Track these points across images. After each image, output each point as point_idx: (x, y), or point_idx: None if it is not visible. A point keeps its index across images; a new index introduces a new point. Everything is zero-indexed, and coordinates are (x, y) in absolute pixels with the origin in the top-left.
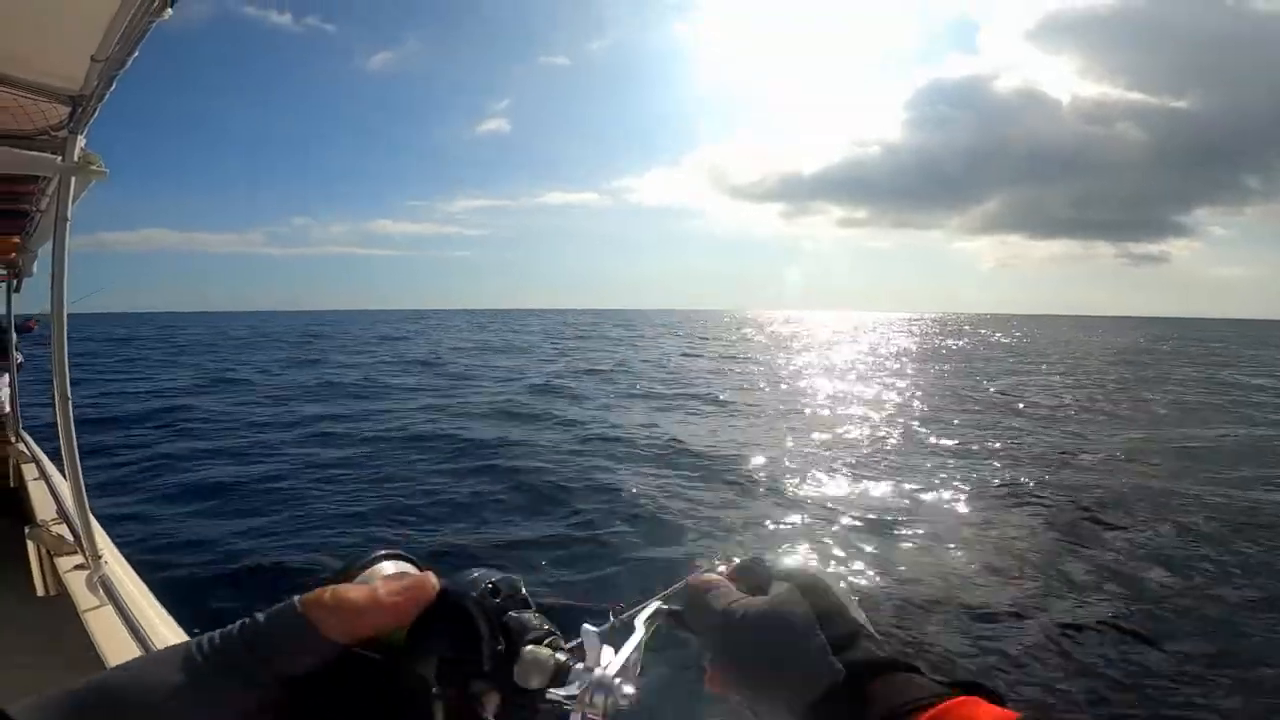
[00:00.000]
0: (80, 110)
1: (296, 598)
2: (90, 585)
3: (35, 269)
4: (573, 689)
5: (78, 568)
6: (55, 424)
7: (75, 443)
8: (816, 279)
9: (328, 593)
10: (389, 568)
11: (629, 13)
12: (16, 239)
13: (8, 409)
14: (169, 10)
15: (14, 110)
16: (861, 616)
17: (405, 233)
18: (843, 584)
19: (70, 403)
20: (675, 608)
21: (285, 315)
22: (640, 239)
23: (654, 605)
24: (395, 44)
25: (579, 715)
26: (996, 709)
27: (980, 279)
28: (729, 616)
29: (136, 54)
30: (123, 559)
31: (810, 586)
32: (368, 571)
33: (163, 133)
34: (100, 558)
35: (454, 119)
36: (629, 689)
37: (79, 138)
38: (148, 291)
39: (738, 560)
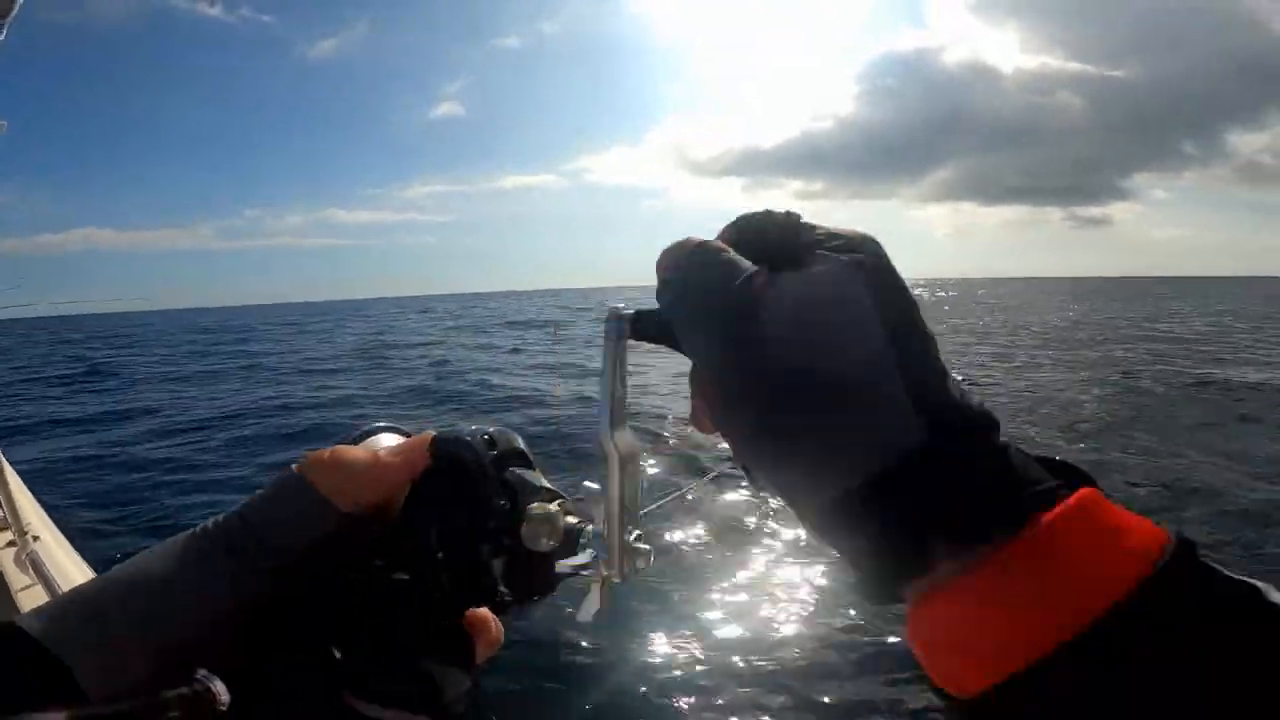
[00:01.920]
0: None
1: (294, 463)
2: (19, 563)
3: None
4: (586, 555)
5: (8, 545)
6: None
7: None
8: None
9: (328, 453)
10: (387, 439)
11: None
12: None
13: None
14: None
15: None
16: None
17: (361, 221)
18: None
19: None
20: (638, 309)
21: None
22: (602, 218)
23: (608, 322)
24: (338, 31)
25: (597, 580)
26: (1134, 516)
27: (935, 245)
28: (750, 287)
29: (20, 1)
30: (63, 539)
31: (872, 262)
32: (366, 442)
33: (97, 133)
34: (29, 534)
35: (406, 104)
36: (645, 546)
37: None
38: (82, 294)
39: (741, 215)
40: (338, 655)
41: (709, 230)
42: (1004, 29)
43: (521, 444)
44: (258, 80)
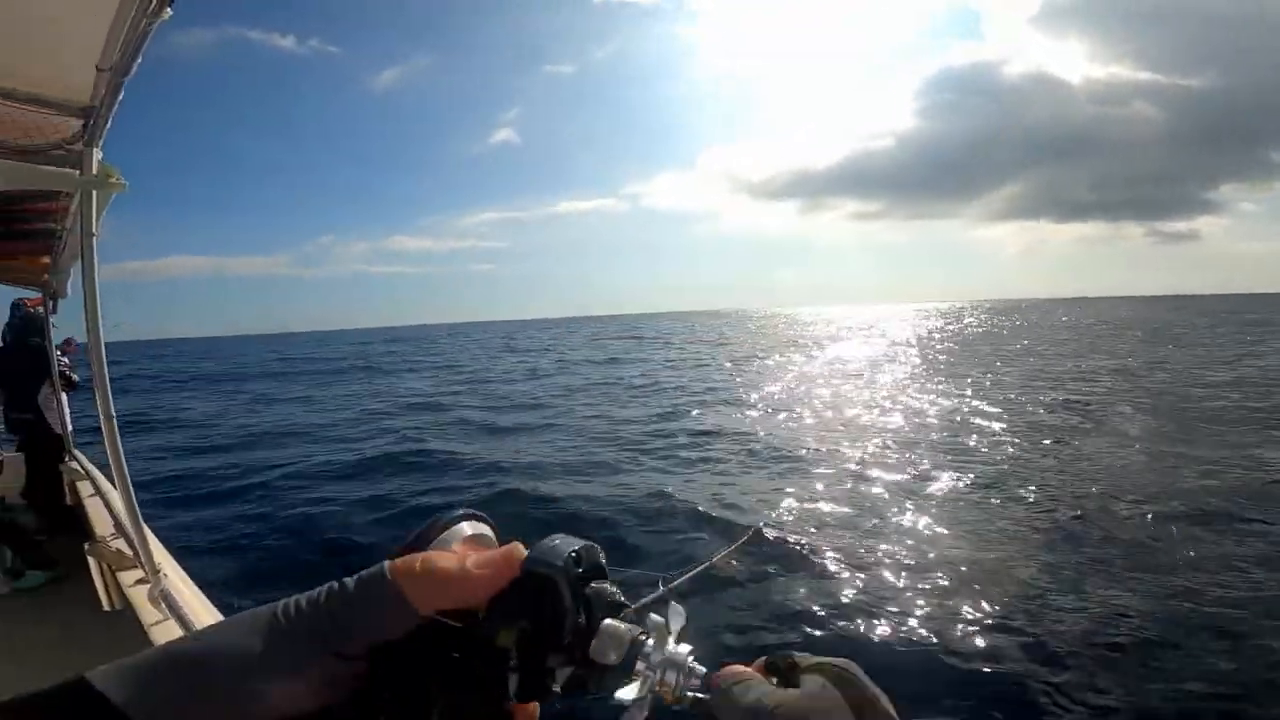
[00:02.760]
0: (92, 122)
1: (385, 563)
2: (152, 599)
3: (70, 290)
4: (644, 668)
5: (139, 582)
6: (104, 442)
7: (124, 459)
8: (839, 274)
9: (418, 561)
10: (467, 529)
11: (631, 18)
12: (46, 259)
13: (58, 429)
14: (168, 10)
15: (26, 126)
16: (891, 710)
17: (423, 249)
18: (867, 680)
19: (115, 421)
20: (701, 695)
21: (318, 335)
22: (658, 243)
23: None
24: (400, 61)
25: (647, 692)
26: None
27: (1002, 265)
28: (758, 712)
29: (140, 60)
30: (182, 571)
31: (843, 679)
32: (448, 532)
33: (182, 161)
34: (159, 571)
35: (464, 132)
36: (700, 668)
37: (95, 150)
38: (178, 318)
39: (766, 657)
40: None
41: (760, 249)
42: (1067, 40)
43: (603, 558)
44: (325, 110)
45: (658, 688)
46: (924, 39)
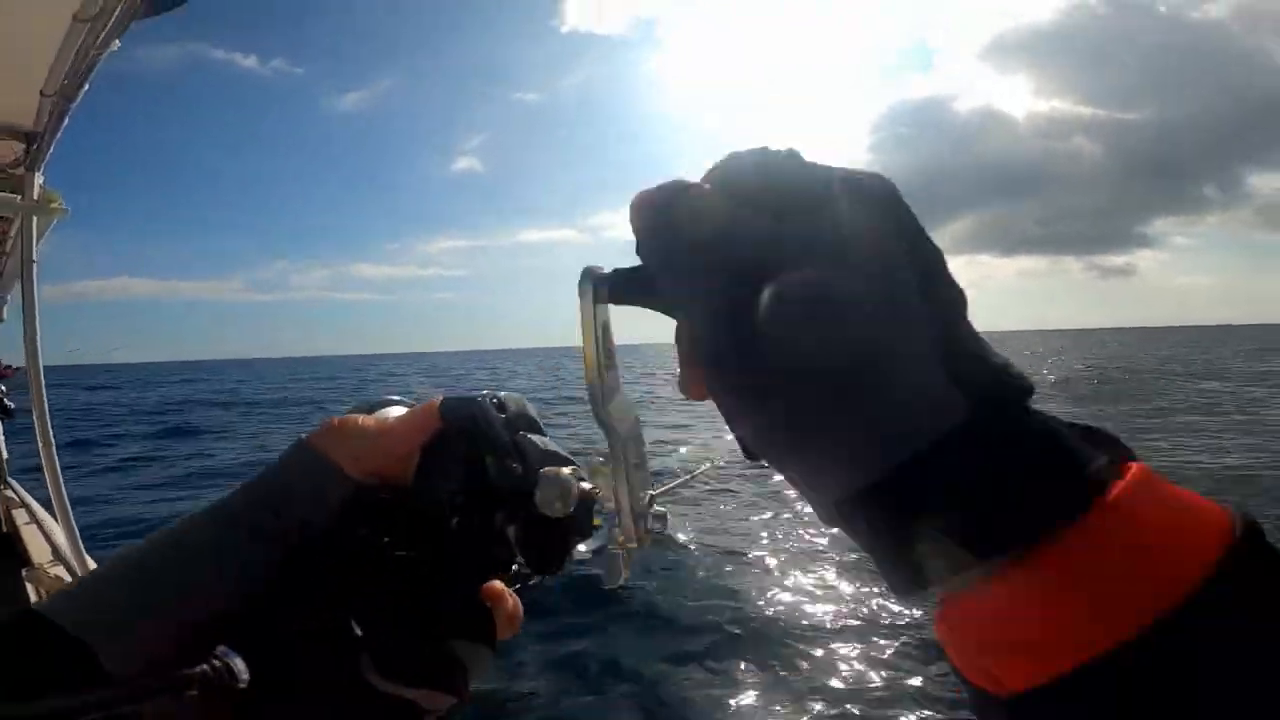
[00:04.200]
0: (35, 147)
1: (301, 435)
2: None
3: (5, 314)
4: (600, 536)
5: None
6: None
7: (64, 487)
8: None
9: (335, 420)
10: (396, 411)
11: (598, 48)
12: None
13: None
14: (116, 42)
15: None
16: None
17: (385, 276)
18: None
19: (54, 448)
20: (616, 268)
21: (281, 362)
22: None
23: (584, 284)
24: (365, 84)
25: (618, 550)
26: (1192, 495)
27: None
28: (752, 255)
29: (87, 87)
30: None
31: (896, 210)
32: (378, 414)
33: (134, 179)
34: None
35: (427, 158)
36: (660, 508)
37: (37, 175)
38: (131, 339)
39: (731, 153)
40: (358, 632)
41: None
42: (1015, 75)
43: (532, 410)
44: (286, 132)
45: (620, 537)
46: (881, 72)
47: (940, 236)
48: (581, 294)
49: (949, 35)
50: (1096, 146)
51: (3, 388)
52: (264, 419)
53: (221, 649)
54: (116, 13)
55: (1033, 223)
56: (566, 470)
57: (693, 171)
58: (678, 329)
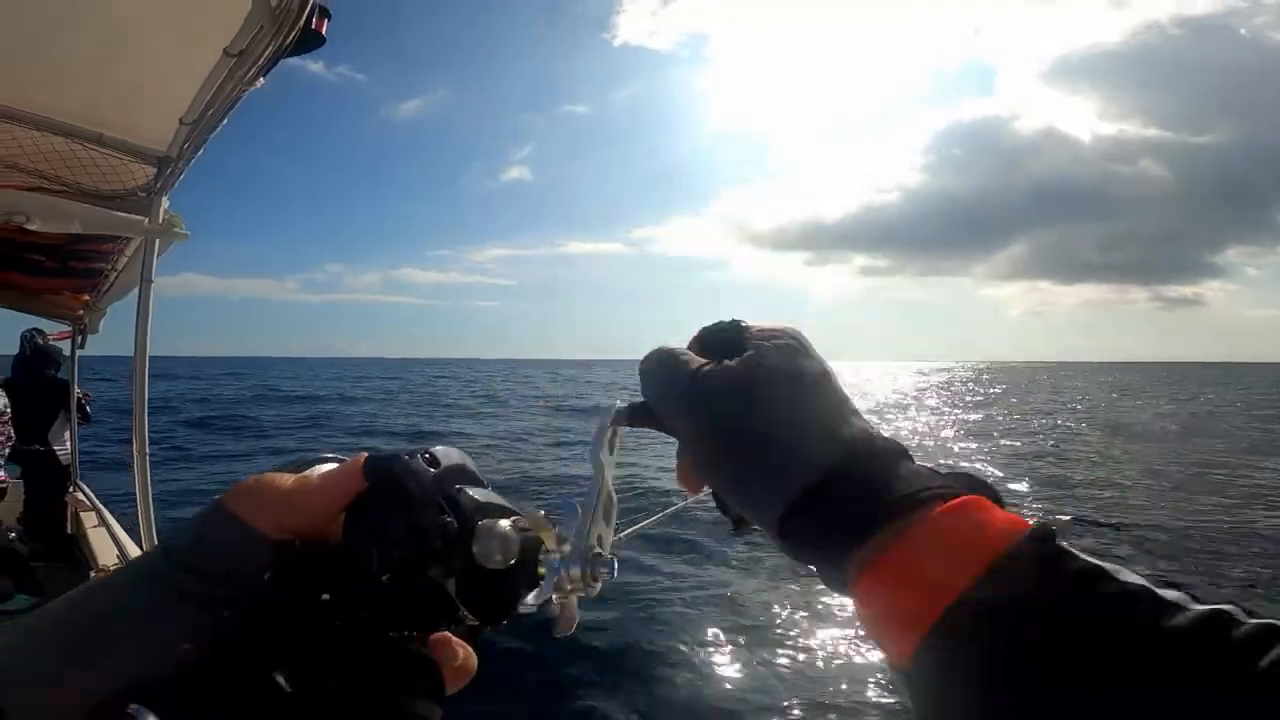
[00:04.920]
0: (167, 172)
1: (218, 496)
2: None
3: (101, 327)
4: (546, 587)
5: None
6: (132, 475)
7: (150, 493)
8: (848, 330)
9: (250, 479)
10: (327, 468)
11: (649, 63)
12: (86, 297)
13: (66, 460)
14: (262, 80)
15: (105, 170)
16: (836, 382)
17: (433, 281)
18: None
19: (148, 458)
20: (634, 401)
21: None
22: (665, 290)
23: (606, 417)
24: (422, 92)
25: (560, 597)
26: (1006, 513)
27: (1007, 327)
28: (695, 376)
29: (226, 121)
30: None
31: (789, 347)
32: (306, 472)
33: (203, 181)
34: None
35: (479, 166)
36: (607, 554)
37: (163, 199)
38: (193, 335)
39: (703, 327)
40: (286, 688)
41: (767, 302)
42: (1079, 96)
43: (469, 464)
44: (347, 136)
45: (568, 585)
46: (937, 93)
47: (996, 260)
48: (614, 420)
49: (1009, 55)
50: (1164, 171)
51: (90, 394)
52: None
53: (134, 706)
54: (267, 50)
55: (1094, 248)
56: (505, 522)
57: (739, 183)
58: (679, 449)
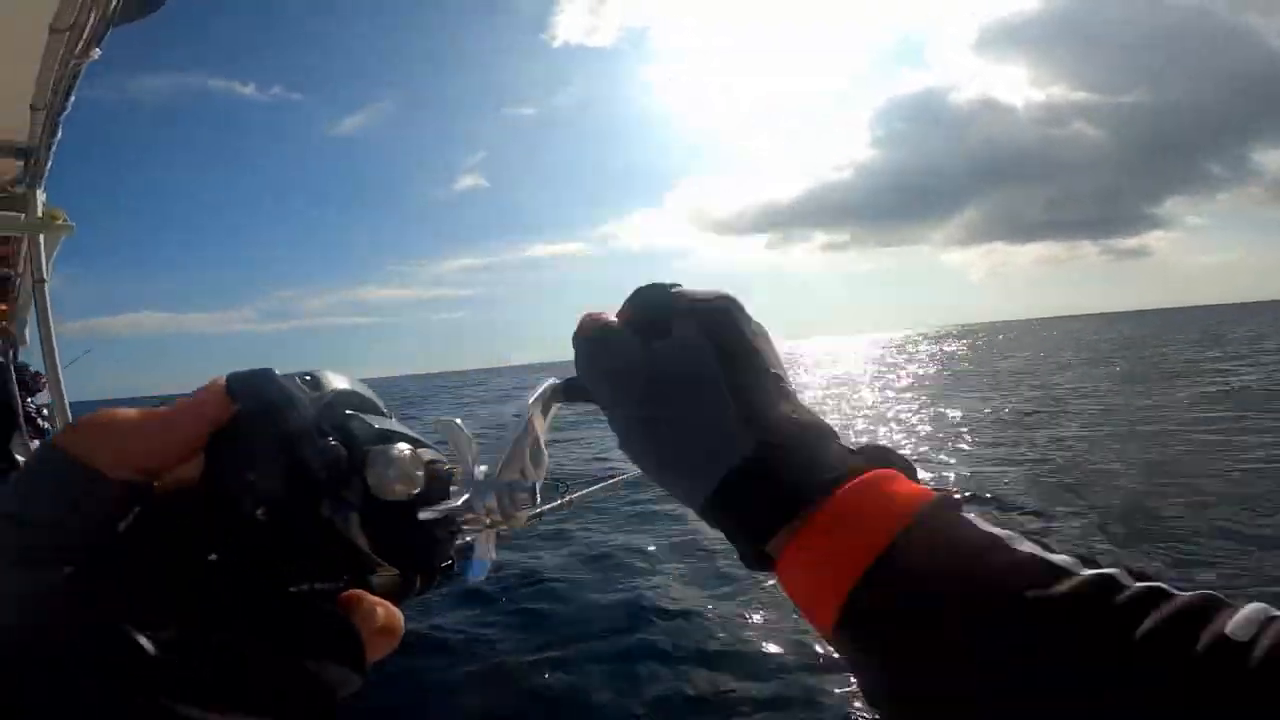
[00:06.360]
0: (33, 162)
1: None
2: None
3: (28, 337)
4: (459, 500)
5: None
6: None
7: None
8: (818, 306)
9: (87, 416)
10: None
11: (592, 61)
12: (4, 306)
13: None
14: (97, 50)
15: None
16: (775, 355)
17: (395, 297)
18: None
19: None
20: (567, 379)
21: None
22: (632, 283)
23: (544, 385)
24: (362, 107)
25: (478, 531)
26: (914, 485)
27: (973, 290)
28: (618, 360)
29: (74, 98)
30: None
31: (718, 321)
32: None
33: (140, 213)
34: None
35: (430, 177)
36: (531, 481)
37: (38, 193)
38: (142, 375)
39: (636, 289)
40: (150, 649)
41: (734, 287)
42: (1009, 64)
43: (367, 391)
44: (287, 158)
45: (485, 517)
46: (875, 69)
47: (952, 227)
48: (543, 394)
49: (938, 27)
50: (1097, 131)
51: (37, 405)
52: None
53: None
54: (91, 20)
55: (1042, 208)
56: (405, 445)
57: (695, 172)
58: (609, 417)
